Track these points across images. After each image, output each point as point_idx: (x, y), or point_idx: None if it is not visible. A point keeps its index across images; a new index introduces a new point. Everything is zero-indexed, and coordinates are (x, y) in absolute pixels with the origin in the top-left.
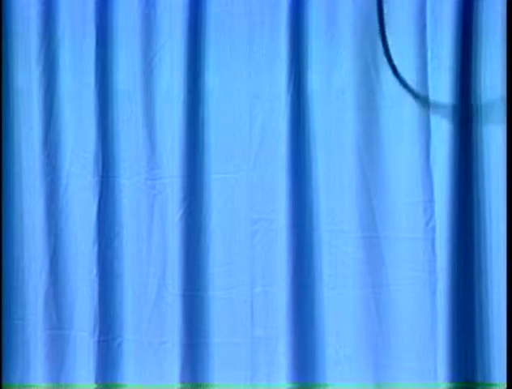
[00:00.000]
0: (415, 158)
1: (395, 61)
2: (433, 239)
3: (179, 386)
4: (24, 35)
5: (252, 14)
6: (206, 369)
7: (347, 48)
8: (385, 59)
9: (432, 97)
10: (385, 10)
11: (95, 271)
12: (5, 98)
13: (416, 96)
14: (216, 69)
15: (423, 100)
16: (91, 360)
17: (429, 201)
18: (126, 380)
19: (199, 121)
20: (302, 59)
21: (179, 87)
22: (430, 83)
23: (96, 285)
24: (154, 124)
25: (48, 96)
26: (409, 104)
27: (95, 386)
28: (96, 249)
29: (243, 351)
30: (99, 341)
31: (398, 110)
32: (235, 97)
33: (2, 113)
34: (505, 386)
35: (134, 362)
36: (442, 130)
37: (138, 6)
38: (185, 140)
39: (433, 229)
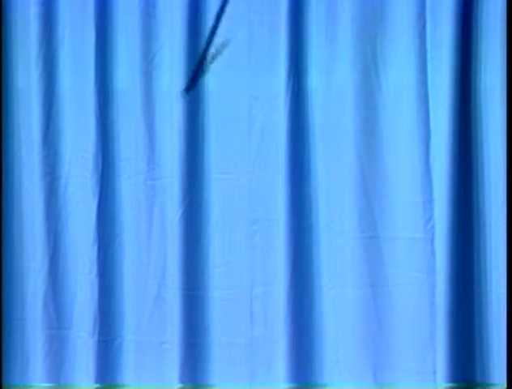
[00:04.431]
0: (414, 158)
1: (396, 61)
2: (433, 239)
3: (179, 386)
4: (24, 35)
5: (251, 14)
6: (206, 368)
7: (346, 47)
8: (384, 59)
9: (432, 97)
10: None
11: (94, 271)
12: (5, 98)
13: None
14: (216, 68)
15: (423, 100)
16: (91, 360)
17: (429, 201)
18: (126, 380)
19: (199, 121)
20: (301, 59)
21: (179, 87)
22: (430, 83)
23: (95, 285)
24: (154, 124)
25: (47, 96)
26: (409, 104)
27: (95, 386)
28: (95, 249)
29: (242, 351)
30: (99, 341)
31: (398, 110)
32: (234, 97)
33: (2, 113)
34: (505, 386)
35: (133, 362)
36: (442, 130)
37: (138, 6)
38: (184, 140)
39: (433, 229)
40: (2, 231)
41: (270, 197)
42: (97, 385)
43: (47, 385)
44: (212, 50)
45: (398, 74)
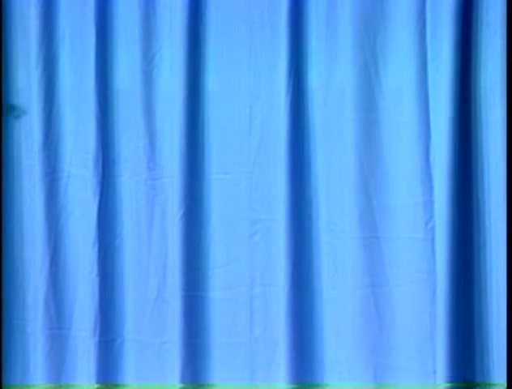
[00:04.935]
0: (414, 158)
1: (396, 61)
2: (433, 239)
3: (179, 385)
4: (24, 35)
5: (252, 14)
6: (207, 368)
7: (346, 48)
8: (384, 58)
9: (432, 97)
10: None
11: (95, 271)
12: (5, 98)
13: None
14: (216, 69)
15: (423, 100)
16: (92, 360)
17: (429, 201)
18: (127, 380)
19: (199, 121)
20: (302, 59)
21: (179, 87)
22: (430, 84)
23: (96, 285)
24: (154, 124)
25: (48, 96)
26: (409, 104)
27: (96, 386)
28: (96, 249)
29: (242, 351)
30: (99, 341)
31: (398, 110)
32: (235, 97)
33: (2, 114)
34: (505, 385)
35: (134, 362)
36: (442, 130)
37: (138, 7)
38: (184, 140)
39: (433, 230)
40: (3, 231)
41: (271, 197)
42: (98, 385)
43: (48, 385)
44: None
45: (398, 73)
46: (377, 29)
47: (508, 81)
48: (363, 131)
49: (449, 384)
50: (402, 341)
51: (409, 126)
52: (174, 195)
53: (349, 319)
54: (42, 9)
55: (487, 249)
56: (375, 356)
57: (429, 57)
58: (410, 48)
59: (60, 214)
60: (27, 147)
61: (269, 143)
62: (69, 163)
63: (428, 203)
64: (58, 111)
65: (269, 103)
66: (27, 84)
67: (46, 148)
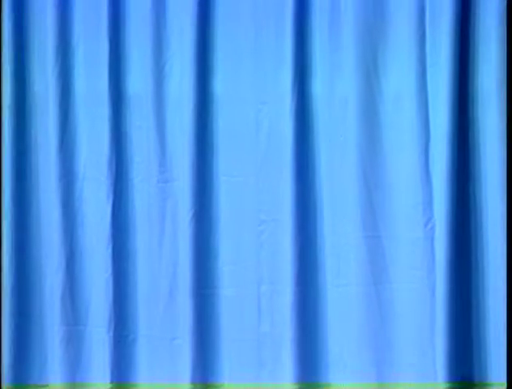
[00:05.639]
0: (414, 161)
1: (397, 68)
2: (432, 239)
3: (189, 386)
4: (40, 42)
5: (258, 23)
6: (216, 362)
7: (349, 56)
8: (385, 66)
9: (431, 102)
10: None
11: (109, 270)
12: (21, 103)
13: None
14: (224, 75)
15: (422, 105)
16: (107, 354)
17: (428, 202)
18: (140, 373)
19: (208, 126)
20: (306, 65)
21: (189, 93)
22: (429, 89)
23: (110, 284)
24: (165, 128)
25: (63, 101)
26: (409, 109)
27: (109, 385)
28: (110, 249)
29: (250, 346)
30: (114, 337)
31: (399, 115)
32: (242, 103)
33: (19, 118)
34: (505, 386)
35: (146, 356)
36: (441, 133)
37: (149, 17)
38: (194, 144)
39: (432, 230)
40: (21, 232)
41: (277, 198)
42: (111, 385)
43: (63, 384)
44: None
45: (398, 80)
46: (378, 38)
47: (508, 86)
48: (365, 135)
49: (448, 383)
50: (403, 339)
51: (409, 130)
52: (185, 197)
53: (353, 316)
54: (57, 17)
55: (485, 248)
56: (377, 352)
57: (429, 63)
58: (410, 55)
59: (75, 215)
60: (43, 150)
61: (275, 147)
62: (84, 166)
63: (428, 204)
64: (73, 116)
65: (275, 108)
66: (43, 90)
67: (62, 151)
